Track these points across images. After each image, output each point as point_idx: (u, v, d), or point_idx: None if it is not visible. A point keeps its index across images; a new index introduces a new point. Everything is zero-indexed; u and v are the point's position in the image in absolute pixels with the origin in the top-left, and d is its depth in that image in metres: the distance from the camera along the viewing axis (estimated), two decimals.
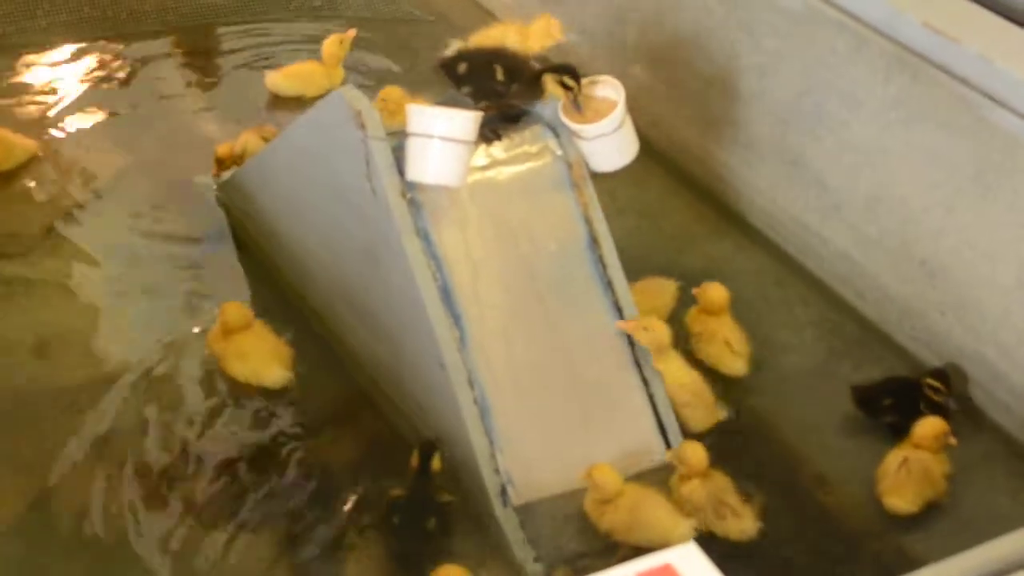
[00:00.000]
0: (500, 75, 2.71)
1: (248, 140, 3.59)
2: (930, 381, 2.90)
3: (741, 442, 2.87)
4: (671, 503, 2.59)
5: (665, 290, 3.22)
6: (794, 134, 3.44)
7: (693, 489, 2.61)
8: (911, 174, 3.14)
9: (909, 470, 2.72)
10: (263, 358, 3.04)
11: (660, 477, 2.70)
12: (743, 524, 2.61)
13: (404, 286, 2.66)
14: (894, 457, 2.77)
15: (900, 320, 3.23)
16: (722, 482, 2.65)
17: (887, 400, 2.96)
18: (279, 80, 4.15)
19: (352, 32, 4.17)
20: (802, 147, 3.43)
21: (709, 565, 1.66)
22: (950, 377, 2.93)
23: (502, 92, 2.73)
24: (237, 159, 3.57)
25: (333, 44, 4.15)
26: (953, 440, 2.78)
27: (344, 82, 4.14)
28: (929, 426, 2.78)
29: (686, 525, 2.51)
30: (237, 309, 3.07)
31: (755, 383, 3.08)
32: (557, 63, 2.75)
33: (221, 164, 3.60)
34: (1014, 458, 2.94)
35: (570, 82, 2.71)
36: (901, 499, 2.71)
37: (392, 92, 3.55)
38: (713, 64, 3.63)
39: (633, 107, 2.88)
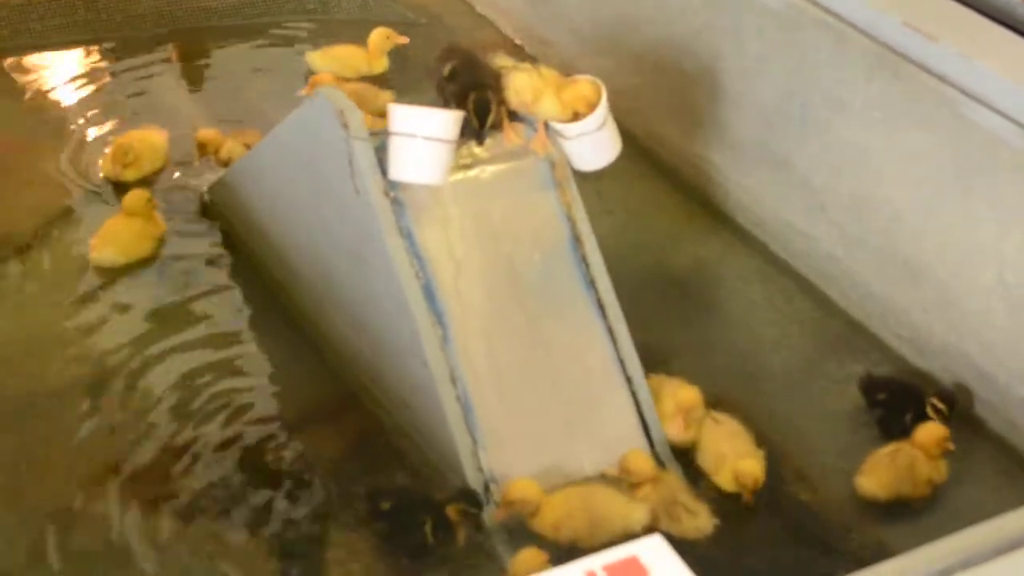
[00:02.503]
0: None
1: (232, 148, 3.65)
2: (935, 401, 2.91)
3: None
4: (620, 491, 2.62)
5: None
6: (780, 134, 3.46)
7: (645, 495, 2.62)
8: (894, 173, 3.15)
9: (894, 460, 2.74)
10: (109, 238, 3.39)
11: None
12: (698, 522, 2.61)
13: (387, 284, 2.69)
14: (889, 447, 2.79)
15: (884, 318, 3.24)
16: (673, 482, 2.67)
17: (882, 394, 2.98)
18: (317, 58, 4.27)
19: (405, 39, 4.27)
20: (788, 147, 3.45)
21: (674, 556, 1.68)
22: (956, 403, 2.93)
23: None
24: (223, 164, 3.62)
25: (380, 35, 4.28)
26: (951, 445, 2.81)
27: (387, 71, 4.27)
28: (929, 431, 2.80)
29: (641, 509, 2.55)
30: (138, 195, 3.44)
31: (740, 380, 3.09)
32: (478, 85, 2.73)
33: (203, 149, 3.71)
34: (998, 454, 2.95)
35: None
36: (873, 481, 2.73)
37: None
38: (699, 65, 3.65)
39: (620, 108, 2.89)
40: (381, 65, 4.29)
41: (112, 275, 3.37)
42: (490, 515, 2.62)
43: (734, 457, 2.74)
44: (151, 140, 3.81)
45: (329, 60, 4.27)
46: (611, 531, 2.51)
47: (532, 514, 2.58)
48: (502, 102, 2.76)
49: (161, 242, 3.48)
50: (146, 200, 3.46)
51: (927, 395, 2.93)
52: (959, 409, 2.95)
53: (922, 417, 2.89)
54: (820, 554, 2.65)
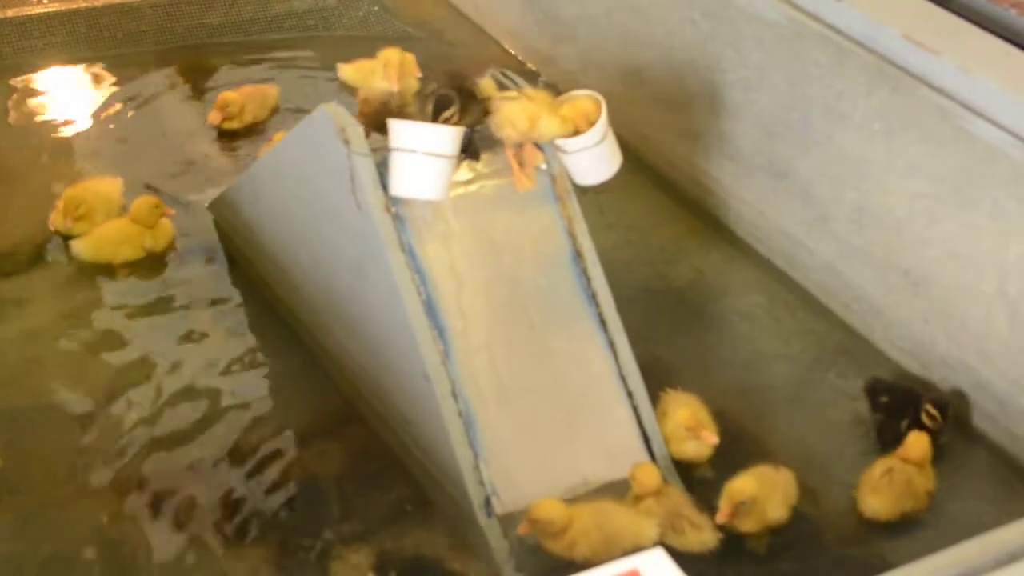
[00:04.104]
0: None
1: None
2: (929, 408, 2.91)
3: (726, 451, 2.87)
4: (628, 506, 2.62)
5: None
6: (780, 146, 3.47)
7: (648, 508, 2.61)
8: (894, 185, 3.16)
9: (892, 479, 2.74)
10: (93, 234, 3.44)
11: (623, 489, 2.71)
12: (703, 536, 2.59)
13: (389, 300, 2.69)
14: (881, 465, 2.79)
15: (885, 329, 3.25)
16: (677, 496, 2.66)
17: (884, 398, 3.00)
18: (350, 72, 4.30)
19: (416, 72, 4.21)
20: (788, 159, 3.46)
21: (676, 570, 1.68)
22: (949, 409, 2.93)
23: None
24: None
25: (395, 53, 4.24)
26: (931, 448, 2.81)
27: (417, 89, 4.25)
28: (916, 443, 2.80)
29: (651, 524, 2.55)
30: (144, 202, 3.47)
31: (741, 393, 3.10)
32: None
33: (224, 110, 3.91)
34: (998, 466, 2.95)
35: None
36: (879, 503, 2.73)
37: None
38: (700, 78, 3.66)
39: (620, 121, 2.90)
40: (410, 85, 4.29)
41: (112, 288, 3.38)
42: (489, 527, 2.62)
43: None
44: (103, 191, 3.59)
45: (354, 73, 4.27)
46: (623, 546, 2.49)
47: (557, 535, 2.53)
48: (473, 106, 2.70)
49: (156, 254, 3.47)
50: (150, 208, 3.45)
51: (923, 402, 2.93)
52: (957, 418, 2.95)
53: (917, 424, 2.89)
54: (823, 566, 2.65)
